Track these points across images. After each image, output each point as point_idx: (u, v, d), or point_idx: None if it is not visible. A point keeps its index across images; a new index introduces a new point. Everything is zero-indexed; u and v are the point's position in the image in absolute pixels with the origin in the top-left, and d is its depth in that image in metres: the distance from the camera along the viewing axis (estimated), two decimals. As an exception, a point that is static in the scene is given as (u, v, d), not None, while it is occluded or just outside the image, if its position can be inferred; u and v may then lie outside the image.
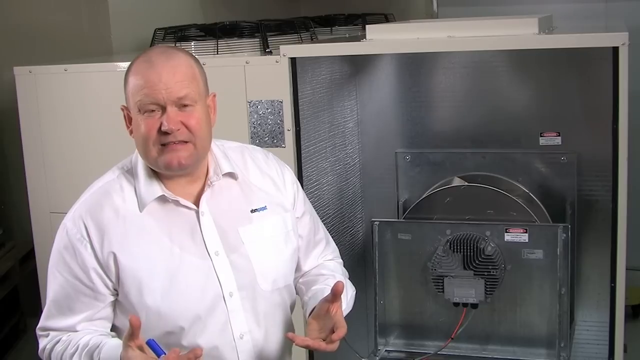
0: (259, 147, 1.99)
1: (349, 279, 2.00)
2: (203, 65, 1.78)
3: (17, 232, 3.99)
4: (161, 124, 1.67)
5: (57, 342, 1.76)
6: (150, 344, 1.60)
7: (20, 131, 2.85)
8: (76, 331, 1.75)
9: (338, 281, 1.73)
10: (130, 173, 1.79)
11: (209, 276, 1.75)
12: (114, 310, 1.78)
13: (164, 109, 1.68)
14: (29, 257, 3.61)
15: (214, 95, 1.80)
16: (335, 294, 1.71)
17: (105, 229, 1.72)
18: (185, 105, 1.69)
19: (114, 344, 1.69)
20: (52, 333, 1.78)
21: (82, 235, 1.72)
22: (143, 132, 1.69)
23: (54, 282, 1.77)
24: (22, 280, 3.78)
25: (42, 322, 1.80)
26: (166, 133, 1.67)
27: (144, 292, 1.72)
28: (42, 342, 1.79)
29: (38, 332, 1.81)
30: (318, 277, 1.93)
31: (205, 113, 1.74)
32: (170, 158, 1.69)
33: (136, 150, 1.77)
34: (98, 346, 1.69)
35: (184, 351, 1.60)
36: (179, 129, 1.68)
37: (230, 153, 1.86)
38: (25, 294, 3.83)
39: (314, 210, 2.02)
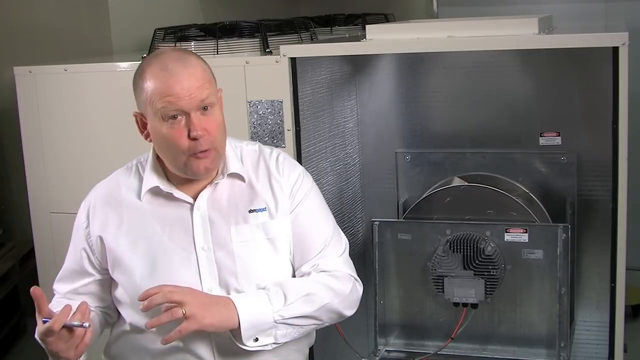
0: (278, 151, 1.99)
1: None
2: (204, 65, 1.80)
3: (17, 232, 3.98)
4: (189, 131, 1.74)
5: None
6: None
7: (20, 131, 2.85)
8: (66, 298, 1.91)
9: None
10: (141, 166, 1.91)
11: (190, 269, 1.82)
12: (107, 285, 1.93)
13: (187, 114, 1.74)
14: (29, 257, 3.61)
15: (220, 91, 1.86)
16: None
17: (105, 213, 1.87)
18: (205, 108, 1.76)
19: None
20: (55, 295, 1.99)
21: (85, 218, 1.92)
22: (171, 140, 1.76)
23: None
24: (22, 280, 3.77)
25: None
26: (195, 139, 1.74)
27: (129, 274, 1.83)
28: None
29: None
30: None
31: (221, 114, 1.82)
32: (197, 166, 1.78)
33: (152, 148, 1.87)
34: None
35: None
36: (204, 135, 1.75)
37: (245, 155, 1.92)
38: (25, 294, 3.78)
39: (319, 217, 1.96)
